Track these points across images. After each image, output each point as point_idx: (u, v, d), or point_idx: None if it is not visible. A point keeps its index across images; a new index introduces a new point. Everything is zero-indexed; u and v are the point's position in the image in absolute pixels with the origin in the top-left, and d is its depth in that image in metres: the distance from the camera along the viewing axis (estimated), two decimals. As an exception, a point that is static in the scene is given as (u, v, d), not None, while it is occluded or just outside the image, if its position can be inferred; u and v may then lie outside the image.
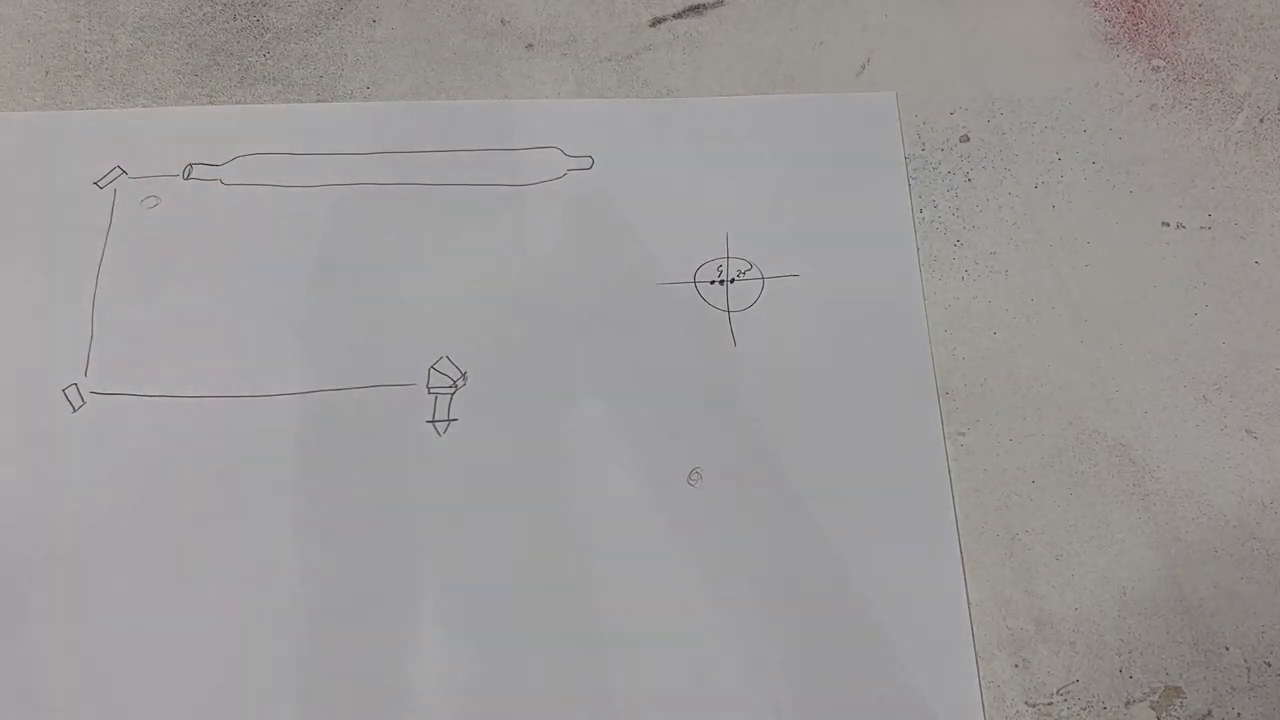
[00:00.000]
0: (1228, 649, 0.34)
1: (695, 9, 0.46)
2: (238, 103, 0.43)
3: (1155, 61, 0.45)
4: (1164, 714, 0.33)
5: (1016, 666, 0.34)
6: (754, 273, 0.40)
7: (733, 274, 0.40)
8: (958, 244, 0.41)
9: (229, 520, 0.35)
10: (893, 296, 0.40)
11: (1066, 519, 0.36)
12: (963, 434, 0.37)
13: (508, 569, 0.35)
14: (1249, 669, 0.34)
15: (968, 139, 0.43)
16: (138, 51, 0.45)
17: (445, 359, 0.38)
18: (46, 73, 0.44)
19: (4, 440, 0.36)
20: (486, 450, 0.37)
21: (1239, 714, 0.33)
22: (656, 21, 0.46)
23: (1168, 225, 0.41)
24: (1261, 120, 0.44)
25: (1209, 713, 0.33)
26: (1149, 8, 0.46)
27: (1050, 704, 0.33)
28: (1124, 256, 0.41)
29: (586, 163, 0.42)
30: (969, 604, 0.34)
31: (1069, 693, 0.33)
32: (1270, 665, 0.34)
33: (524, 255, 0.39)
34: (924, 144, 0.43)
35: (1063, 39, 0.46)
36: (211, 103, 0.43)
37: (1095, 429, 0.37)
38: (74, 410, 0.36)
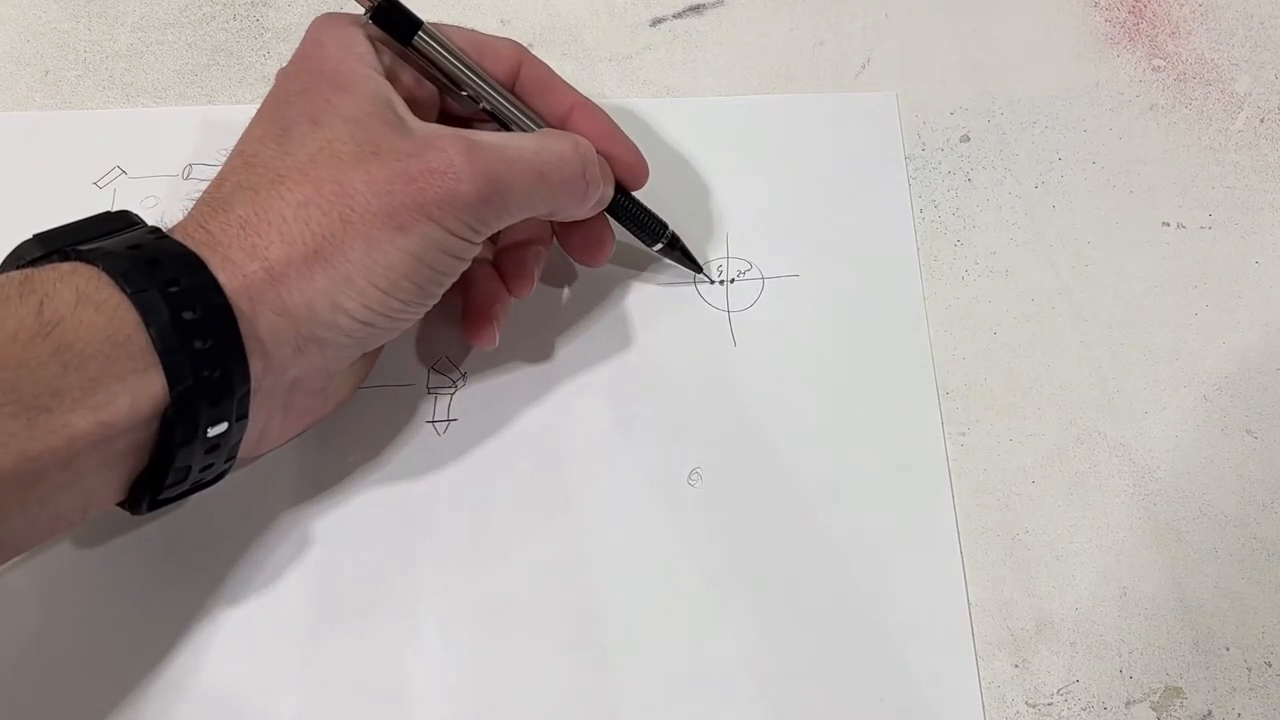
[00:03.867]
0: (1228, 649, 0.34)
1: (695, 9, 0.46)
2: (238, 103, 0.43)
3: (1155, 61, 0.45)
4: (1164, 714, 0.33)
5: (1016, 667, 0.34)
6: (754, 273, 0.40)
7: (733, 274, 0.40)
8: (958, 244, 0.41)
9: (228, 520, 0.35)
10: (893, 296, 0.40)
11: (1066, 519, 0.36)
12: (963, 434, 0.37)
13: (507, 568, 0.35)
14: (1249, 669, 0.34)
15: (968, 139, 0.43)
16: (138, 51, 0.45)
17: (445, 359, 0.38)
18: (46, 73, 0.44)
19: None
20: (486, 450, 0.37)
21: (1239, 714, 0.33)
22: (656, 21, 0.46)
23: (1168, 225, 0.41)
24: (1262, 120, 0.44)
25: (1209, 713, 0.33)
26: (1149, 8, 0.46)
27: (1050, 704, 0.33)
28: (1124, 256, 0.41)
29: (586, 163, 0.42)
30: (969, 604, 0.34)
31: (1069, 693, 0.33)
32: (1270, 665, 0.34)
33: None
34: (924, 144, 0.43)
35: (1063, 39, 0.46)
36: (211, 103, 0.43)
37: (1095, 429, 0.37)
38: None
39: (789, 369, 0.38)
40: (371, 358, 0.35)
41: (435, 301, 0.32)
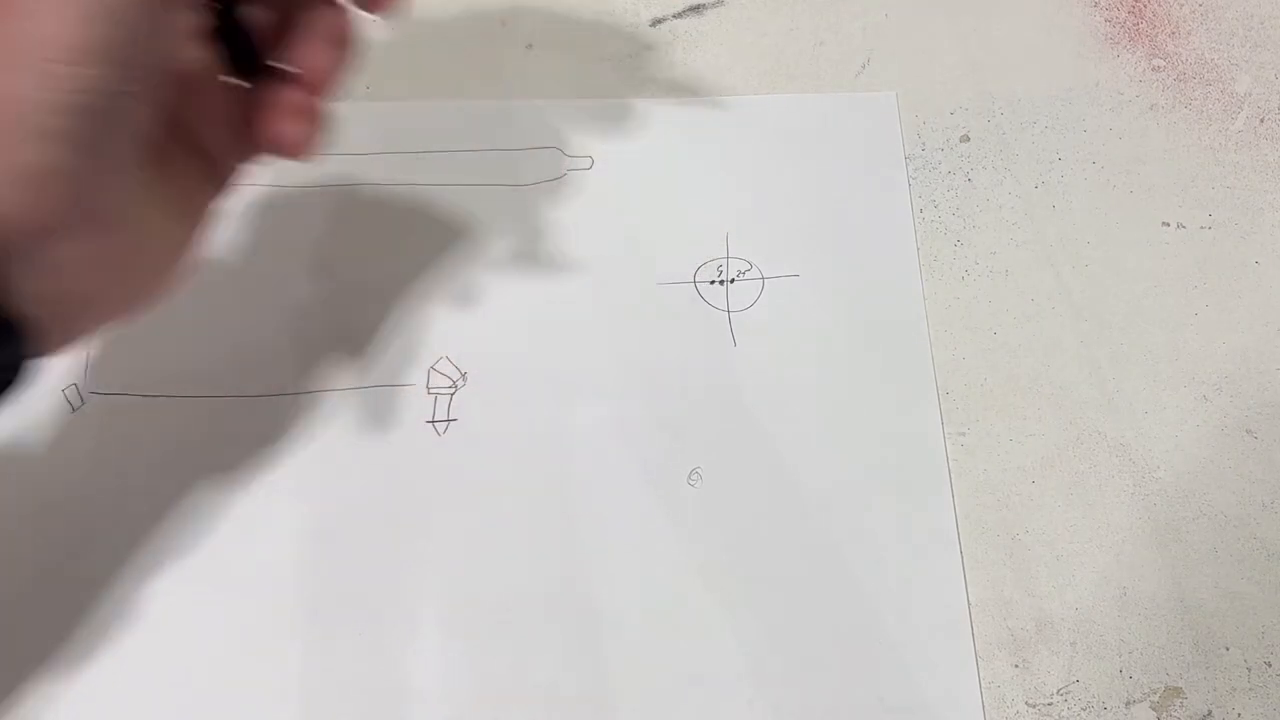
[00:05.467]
0: (1228, 649, 0.34)
1: (695, 9, 0.46)
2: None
3: (1155, 61, 0.45)
4: (1164, 714, 0.33)
5: (1016, 667, 0.34)
6: (754, 273, 0.40)
7: (733, 274, 0.40)
8: (958, 244, 0.41)
9: (229, 520, 0.35)
10: (893, 296, 0.40)
11: (1066, 519, 0.36)
12: (963, 434, 0.37)
13: (507, 569, 0.35)
14: (1249, 669, 0.34)
15: (968, 139, 0.43)
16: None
17: (445, 359, 0.38)
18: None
19: (3, 442, 0.36)
20: (486, 451, 0.37)
21: (1239, 714, 0.33)
22: (656, 21, 0.46)
23: (1168, 225, 0.41)
24: (1262, 120, 0.44)
25: (1209, 713, 0.33)
26: (1149, 8, 0.46)
27: (1050, 704, 0.33)
28: (1124, 256, 0.41)
29: (586, 163, 0.42)
30: (969, 604, 0.34)
31: (1069, 693, 0.33)
32: (1270, 665, 0.34)
33: (523, 256, 0.39)
34: (924, 144, 0.43)
35: (1063, 39, 0.46)
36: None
37: (1095, 429, 0.37)
38: (73, 411, 0.36)
39: (789, 369, 0.38)
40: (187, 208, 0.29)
41: (171, 64, 0.26)
